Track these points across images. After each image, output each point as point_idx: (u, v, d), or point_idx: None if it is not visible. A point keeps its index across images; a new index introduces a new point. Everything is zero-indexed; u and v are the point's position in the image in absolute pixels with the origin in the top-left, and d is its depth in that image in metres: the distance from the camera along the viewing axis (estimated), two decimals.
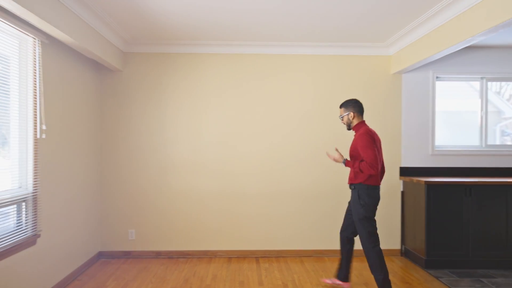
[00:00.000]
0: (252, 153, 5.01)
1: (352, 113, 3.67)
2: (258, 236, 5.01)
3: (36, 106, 3.40)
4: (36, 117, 3.40)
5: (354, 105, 3.68)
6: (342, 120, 3.74)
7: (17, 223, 3.28)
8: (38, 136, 3.41)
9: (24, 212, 3.34)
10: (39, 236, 3.46)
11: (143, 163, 4.95)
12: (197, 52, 4.99)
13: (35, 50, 3.38)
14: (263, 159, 5.02)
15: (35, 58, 3.39)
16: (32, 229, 3.40)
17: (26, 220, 3.35)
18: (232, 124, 5.01)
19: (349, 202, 3.75)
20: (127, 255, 4.95)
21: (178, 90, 4.99)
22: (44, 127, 3.46)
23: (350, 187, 3.64)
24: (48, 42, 3.53)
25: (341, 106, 3.74)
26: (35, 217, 3.42)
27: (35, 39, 3.37)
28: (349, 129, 3.74)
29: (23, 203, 3.34)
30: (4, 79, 3.17)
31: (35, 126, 3.39)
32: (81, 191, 4.40)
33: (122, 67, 4.93)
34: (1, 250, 2.99)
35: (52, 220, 3.70)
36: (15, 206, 3.27)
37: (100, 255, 4.93)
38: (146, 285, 3.98)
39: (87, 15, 3.80)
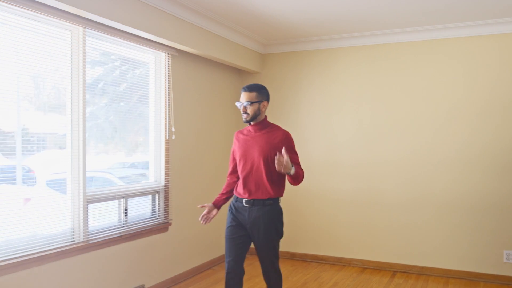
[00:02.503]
0: (392, 153, 4.93)
1: (265, 103, 3.05)
2: (397, 248, 4.89)
3: (166, 111, 4.33)
4: (166, 120, 4.32)
5: (267, 94, 3.08)
6: (247, 107, 2.99)
7: (152, 211, 4.27)
8: (167, 137, 4.33)
9: (157, 202, 4.31)
10: (170, 224, 4.38)
11: None
12: (330, 47, 5.23)
13: (166, 63, 4.32)
14: (405, 161, 4.87)
15: (166, 69, 4.32)
16: (164, 217, 4.34)
17: (159, 209, 4.31)
18: (369, 122, 5.04)
19: (233, 225, 3.07)
20: None
21: (312, 87, 5.33)
22: (173, 129, 4.36)
23: (264, 203, 2.98)
24: (177, 55, 4.42)
25: (251, 89, 3.02)
26: (166, 207, 4.36)
27: (166, 53, 4.31)
28: (248, 121, 3.05)
29: (157, 194, 4.31)
30: (146, 90, 4.20)
31: (166, 128, 4.32)
32: (214, 187, 5.22)
33: (260, 69, 5.59)
34: (140, 230, 3.99)
35: (182, 211, 4.60)
36: (150, 196, 4.26)
37: None
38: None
39: (218, 29, 4.61)
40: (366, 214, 5.05)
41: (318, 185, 5.29)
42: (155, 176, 4.32)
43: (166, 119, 4.34)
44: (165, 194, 4.35)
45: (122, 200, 3.89)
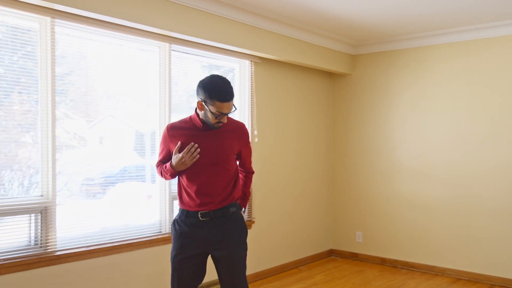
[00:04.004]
0: (490, 157, 4.69)
1: None
2: (496, 259, 4.63)
3: (249, 115, 4.75)
4: (249, 124, 4.74)
5: None
6: (226, 117, 2.55)
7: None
8: (250, 140, 4.74)
9: None
10: (253, 222, 4.79)
11: (372, 166, 5.54)
12: (422, 45, 5.15)
13: (249, 69, 4.74)
14: (505, 165, 4.60)
15: (249, 76, 4.74)
16: (248, 215, 4.76)
17: None
18: (465, 123, 4.86)
19: (184, 257, 2.55)
20: (354, 257, 5.67)
21: (404, 88, 5.29)
22: (255, 132, 4.76)
23: (227, 212, 2.55)
24: (260, 62, 4.82)
25: (232, 97, 2.52)
26: (250, 206, 4.77)
27: (249, 61, 4.74)
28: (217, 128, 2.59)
29: None
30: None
31: (249, 131, 4.74)
32: (306, 190, 5.50)
33: (351, 71, 5.71)
34: None
35: (265, 210, 4.96)
36: None
37: (331, 252, 5.88)
38: (345, 285, 4.64)
39: (301, 34, 4.93)
40: (462, 221, 4.86)
41: (409, 189, 5.23)
42: None
43: (249, 122, 4.75)
44: None
45: None
